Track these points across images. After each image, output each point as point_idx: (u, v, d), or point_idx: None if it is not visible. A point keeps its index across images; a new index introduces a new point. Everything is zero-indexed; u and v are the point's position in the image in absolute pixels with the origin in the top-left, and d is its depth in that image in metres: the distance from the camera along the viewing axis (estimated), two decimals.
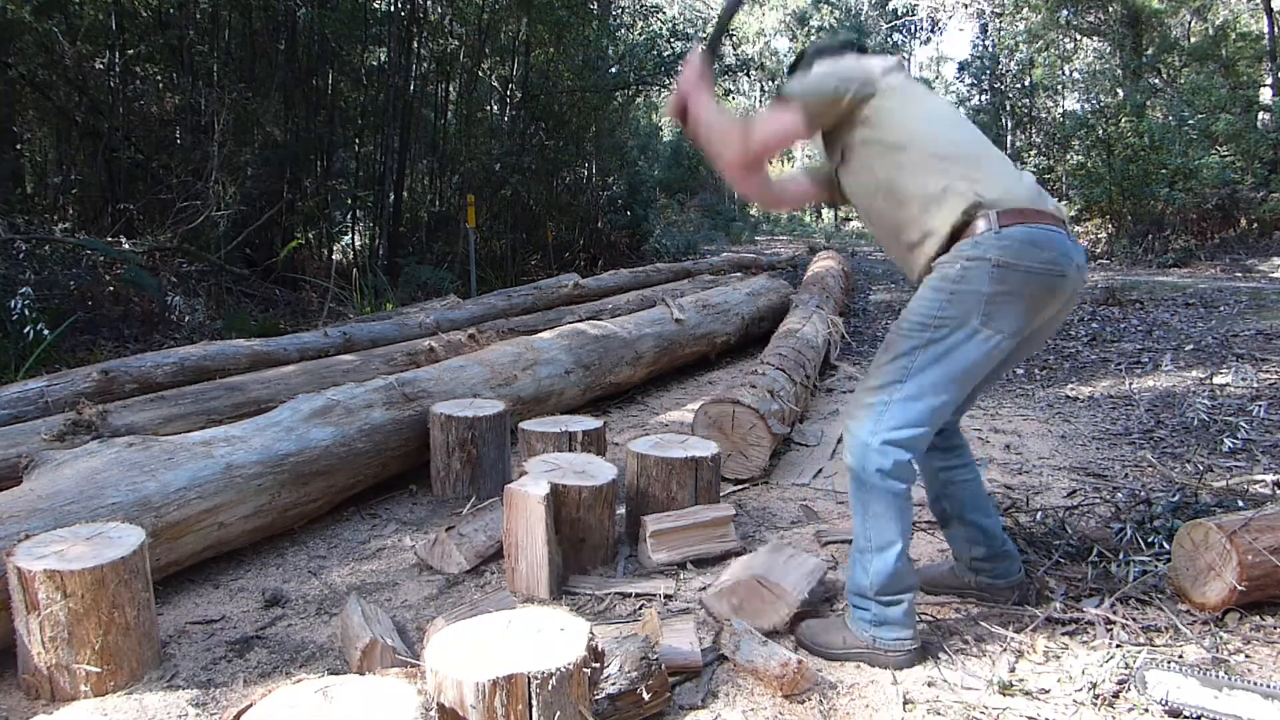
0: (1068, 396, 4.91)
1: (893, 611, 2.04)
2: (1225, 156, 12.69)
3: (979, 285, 1.92)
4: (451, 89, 11.92)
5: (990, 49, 19.01)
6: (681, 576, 2.60)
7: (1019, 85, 18.10)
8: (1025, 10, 19.29)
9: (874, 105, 2.07)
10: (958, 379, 1.98)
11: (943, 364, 1.96)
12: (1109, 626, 2.18)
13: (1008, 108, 18.06)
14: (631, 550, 2.80)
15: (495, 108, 12.85)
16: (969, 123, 2.22)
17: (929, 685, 1.97)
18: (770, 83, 33.40)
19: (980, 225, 1.94)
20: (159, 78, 8.73)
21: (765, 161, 2.16)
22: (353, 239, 11.32)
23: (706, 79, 2.20)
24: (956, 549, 2.40)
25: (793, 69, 2.36)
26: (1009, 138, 18.17)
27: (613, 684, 1.75)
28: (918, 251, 2.06)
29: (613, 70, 12.57)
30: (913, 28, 33.85)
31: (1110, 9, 17.25)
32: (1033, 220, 1.95)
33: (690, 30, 14.58)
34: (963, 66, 19.62)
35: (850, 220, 27.08)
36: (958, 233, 1.97)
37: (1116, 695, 1.89)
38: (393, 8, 10.38)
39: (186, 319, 6.75)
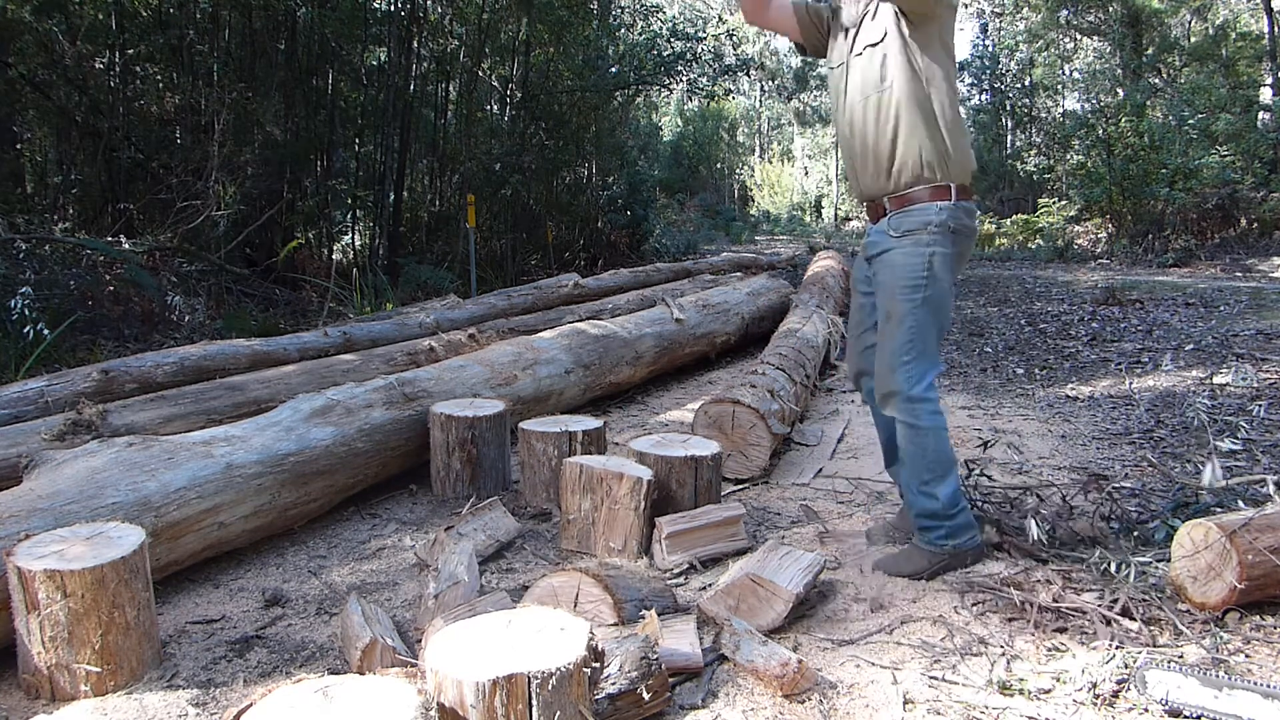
0: (1068, 396, 4.91)
1: (960, 519, 2.48)
2: (1225, 156, 12.68)
3: (945, 248, 2.39)
4: (451, 89, 11.92)
5: (990, 49, 19.00)
6: (688, 577, 2.60)
7: (1019, 85, 18.10)
8: (1025, 10, 19.30)
9: (945, 25, 2.38)
10: (941, 321, 2.47)
11: (933, 314, 2.43)
12: (1109, 626, 2.18)
13: (1008, 108, 18.07)
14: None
15: (495, 108, 12.85)
16: None
17: (929, 685, 1.97)
18: (770, 82, 33.39)
19: (947, 196, 2.38)
20: (159, 78, 8.73)
21: None
22: (353, 239, 11.32)
23: None
24: (902, 488, 2.71)
25: None
26: (1009, 137, 18.18)
27: (613, 684, 1.75)
28: (885, 178, 2.43)
29: (613, 70, 12.56)
30: None
31: (1110, 9, 17.25)
32: (970, 195, 2.46)
33: (690, 30, 14.55)
34: (963, 66, 19.62)
35: (850, 220, 27.07)
36: (927, 192, 2.38)
37: (1116, 695, 1.89)
38: (393, 8, 10.38)
39: (186, 319, 6.75)
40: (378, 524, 3.17)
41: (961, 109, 2.38)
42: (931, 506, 2.46)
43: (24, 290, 5.45)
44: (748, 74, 16.68)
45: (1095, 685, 1.91)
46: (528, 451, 3.27)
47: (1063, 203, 14.79)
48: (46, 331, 5.31)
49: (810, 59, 2.87)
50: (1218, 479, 2.84)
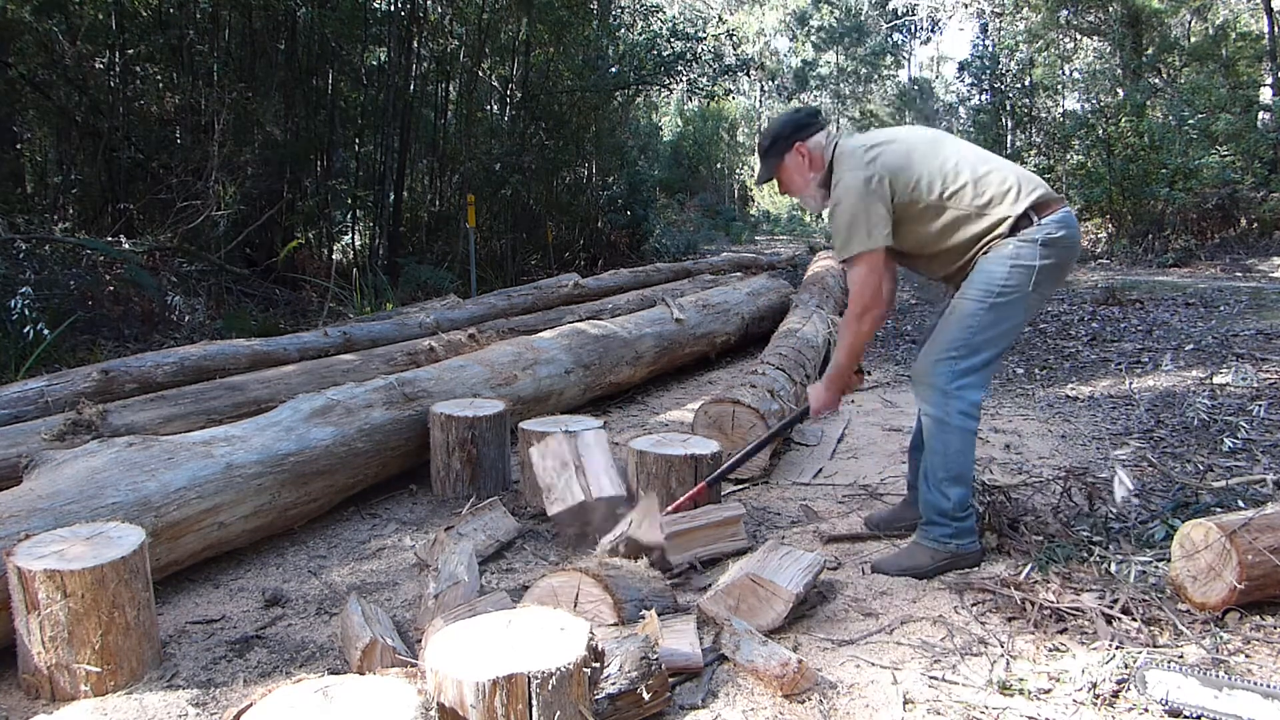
0: (1068, 396, 4.91)
1: (966, 523, 2.54)
2: (1225, 156, 12.66)
3: (1030, 260, 2.40)
4: (451, 89, 11.92)
5: (990, 49, 18.95)
6: (688, 577, 2.60)
7: (1019, 85, 18.05)
8: (1025, 10, 19.28)
9: (900, 187, 2.46)
10: (1008, 334, 2.49)
11: (999, 324, 2.44)
12: (1109, 625, 2.18)
13: (1008, 108, 18.02)
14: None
15: (495, 108, 12.85)
16: (959, 140, 2.65)
17: (929, 685, 1.97)
18: (770, 82, 33.38)
19: (1028, 222, 2.41)
20: (159, 78, 8.72)
21: (883, 296, 2.55)
22: (353, 239, 11.31)
23: (820, 392, 2.83)
24: (911, 478, 2.86)
25: (766, 152, 2.66)
26: (1009, 138, 18.13)
27: (613, 684, 1.75)
28: (969, 259, 2.49)
29: (613, 70, 12.56)
30: (913, 27, 33.85)
31: (1110, 9, 17.24)
32: (1058, 205, 2.46)
33: (690, 30, 14.55)
34: (963, 66, 19.56)
35: None
36: (1010, 232, 2.43)
37: (1116, 695, 1.89)
38: (393, 8, 10.37)
39: (186, 319, 6.74)
40: (378, 524, 3.17)
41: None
42: (942, 505, 2.51)
43: (24, 290, 5.45)
44: (748, 74, 16.67)
45: (1095, 685, 1.91)
46: (528, 451, 3.26)
47: None
48: (46, 331, 5.31)
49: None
50: (1128, 491, 2.88)
